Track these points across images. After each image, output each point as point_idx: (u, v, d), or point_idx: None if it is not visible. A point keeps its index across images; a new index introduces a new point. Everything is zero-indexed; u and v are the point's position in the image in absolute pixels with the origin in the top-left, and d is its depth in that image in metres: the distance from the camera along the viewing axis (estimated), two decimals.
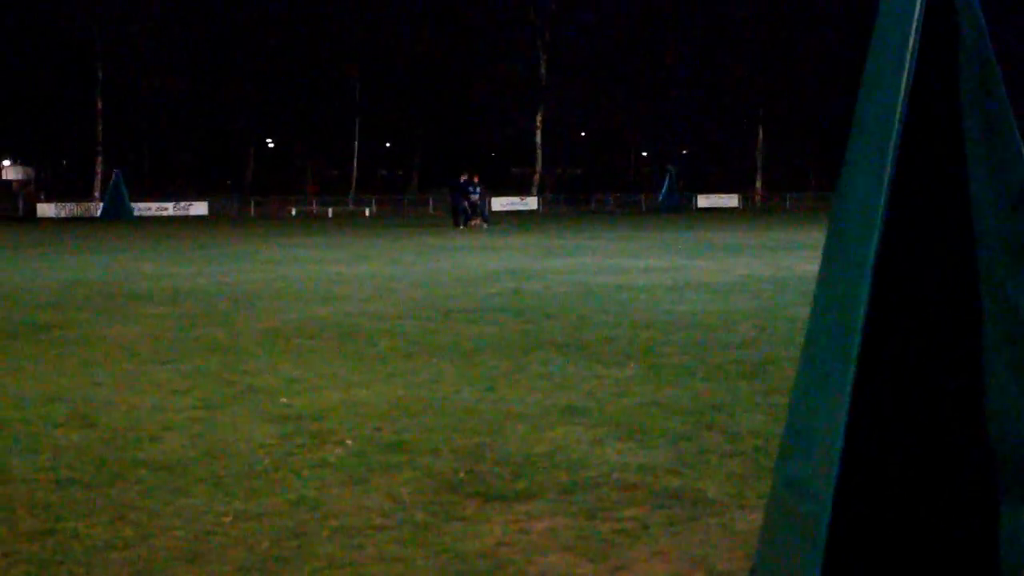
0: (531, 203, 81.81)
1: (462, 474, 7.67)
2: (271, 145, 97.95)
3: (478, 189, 52.96)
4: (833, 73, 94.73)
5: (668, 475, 7.58)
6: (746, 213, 77.23)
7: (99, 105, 77.23)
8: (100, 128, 77.46)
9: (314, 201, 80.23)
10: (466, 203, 53.48)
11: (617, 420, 9.26)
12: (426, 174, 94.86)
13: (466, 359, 12.51)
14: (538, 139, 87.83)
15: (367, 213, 75.91)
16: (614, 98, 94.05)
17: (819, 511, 4.33)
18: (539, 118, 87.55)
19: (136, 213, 65.73)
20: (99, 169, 76.91)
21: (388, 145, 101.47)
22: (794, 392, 4.91)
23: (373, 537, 6.33)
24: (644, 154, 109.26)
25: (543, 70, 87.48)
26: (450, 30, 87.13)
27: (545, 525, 6.52)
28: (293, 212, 74.45)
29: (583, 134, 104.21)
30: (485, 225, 51.68)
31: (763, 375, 11.35)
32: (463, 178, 52.00)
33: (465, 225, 51.56)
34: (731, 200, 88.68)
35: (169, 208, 71.21)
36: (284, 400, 10.19)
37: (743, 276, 23.43)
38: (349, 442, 8.57)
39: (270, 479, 7.58)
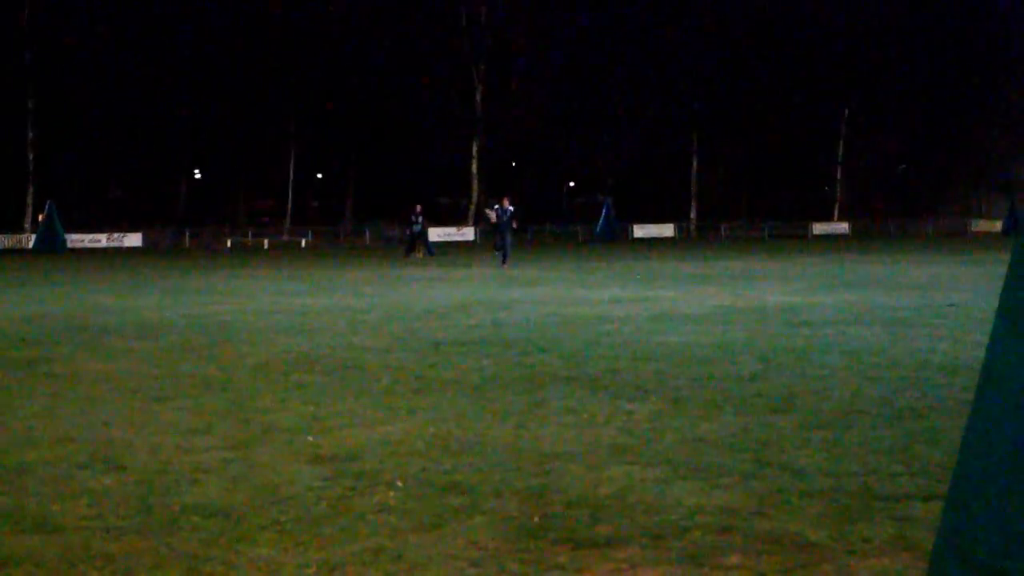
0: (468, 234, 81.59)
1: (536, 519, 7.26)
2: (198, 176, 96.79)
3: (420, 219, 52.72)
4: (766, 102, 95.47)
5: (755, 517, 7.21)
6: (683, 243, 77.40)
7: (30, 135, 76.07)
8: (31, 158, 76.30)
9: (249, 232, 79.49)
10: (408, 233, 53.37)
11: (670, 459, 8.88)
12: (359, 205, 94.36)
13: (479, 394, 12.11)
14: (474, 169, 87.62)
15: (303, 244, 75.35)
16: (547, 128, 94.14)
17: None
18: (475, 148, 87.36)
19: (69, 245, 64.79)
20: (30, 200, 75.72)
21: (320, 176, 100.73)
22: (968, 460, 4.50)
23: None
24: (571, 184, 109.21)
25: (478, 98, 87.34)
26: (386, 60, 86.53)
27: (655, 574, 6.13)
28: (228, 243, 73.69)
29: (514, 164, 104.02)
30: (421, 256, 51.37)
31: (794, 410, 11.02)
32: (418, 209, 51.94)
33: (407, 256, 51.26)
34: (667, 230, 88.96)
35: (102, 240, 70.37)
36: (311, 439, 9.73)
37: (717, 307, 23.19)
38: (400, 483, 8.14)
39: (336, 525, 7.13)
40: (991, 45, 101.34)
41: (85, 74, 79.13)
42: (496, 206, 42.67)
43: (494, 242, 43.54)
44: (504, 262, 41.59)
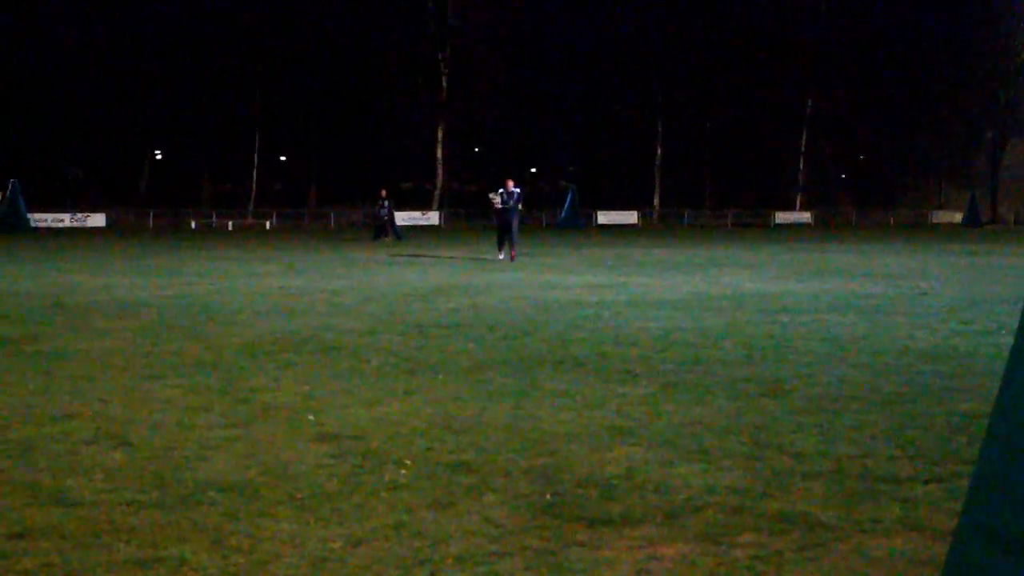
0: (433, 218, 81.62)
1: (548, 497, 7.37)
2: (159, 157, 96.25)
3: (387, 204, 52.81)
4: (731, 93, 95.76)
5: (763, 498, 7.35)
6: (648, 230, 77.68)
7: None
8: None
9: (213, 214, 79.26)
10: (375, 217, 53.51)
11: (670, 440, 9.01)
12: (322, 189, 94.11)
13: (470, 376, 12.20)
14: (439, 154, 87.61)
15: (267, 226, 75.21)
16: (511, 114, 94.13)
17: None
18: (440, 133, 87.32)
19: (32, 224, 64.42)
20: None
21: (283, 159, 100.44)
22: (995, 435, 4.62)
23: (500, 565, 6.02)
24: (533, 170, 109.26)
25: (444, 85, 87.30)
26: (352, 43, 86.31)
27: (673, 552, 6.25)
28: (193, 225, 73.48)
29: (476, 150, 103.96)
30: (390, 240, 51.47)
31: (783, 394, 11.16)
32: (383, 193, 52.04)
33: (375, 240, 51.35)
34: (630, 217, 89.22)
35: (66, 219, 70.00)
36: (312, 418, 9.81)
37: (691, 293, 23.38)
38: (408, 462, 8.24)
39: (351, 502, 7.23)
40: (950, 38, 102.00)
41: (45, 53, 78.53)
42: (500, 189, 36.65)
43: (498, 232, 37.18)
44: (509, 252, 35.82)
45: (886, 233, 75.20)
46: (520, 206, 36.44)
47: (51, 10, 78.71)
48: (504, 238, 36.23)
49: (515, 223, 36.10)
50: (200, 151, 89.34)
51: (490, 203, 37.36)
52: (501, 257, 35.70)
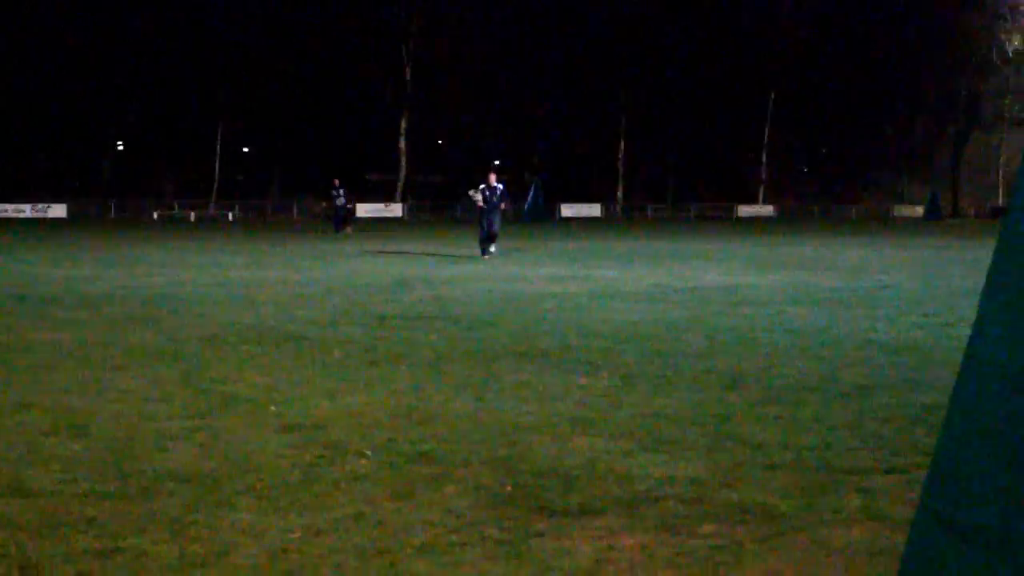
0: (396, 210, 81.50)
1: (508, 488, 7.38)
2: (121, 148, 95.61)
3: (342, 193, 52.82)
4: (694, 85, 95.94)
5: (723, 488, 7.37)
6: (612, 223, 77.81)
7: None
8: None
9: (175, 205, 78.97)
10: (332, 207, 53.51)
11: (631, 431, 9.03)
12: (285, 180, 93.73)
13: (433, 367, 12.20)
14: (402, 145, 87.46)
15: (230, 217, 74.95)
16: (474, 106, 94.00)
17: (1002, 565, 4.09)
18: (403, 124, 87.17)
19: None
20: None
21: (246, 150, 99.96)
22: (951, 426, 4.65)
23: (460, 555, 6.02)
24: (496, 162, 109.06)
25: (408, 77, 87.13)
26: (316, 34, 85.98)
27: (632, 542, 6.26)
28: (155, 215, 73.18)
29: (440, 142, 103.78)
30: (350, 230, 51.52)
31: (742, 387, 11.20)
32: (336, 183, 52.05)
33: (337, 231, 51.32)
34: (594, 210, 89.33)
35: (26, 210, 69.62)
36: (273, 409, 9.79)
37: (654, 285, 23.44)
38: (369, 453, 8.23)
39: (312, 492, 7.21)
40: (913, 32, 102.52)
41: (4, 44, 77.94)
42: (482, 185, 33.79)
43: (479, 232, 34.32)
44: (485, 251, 33.46)
45: (848, 226, 75.59)
46: (503, 204, 33.94)
47: (11, 1, 78.10)
48: (486, 237, 33.70)
49: (497, 221, 33.90)
50: (162, 142, 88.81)
51: (473, 203, 34.53)
52: (493, 250, 33.55)
